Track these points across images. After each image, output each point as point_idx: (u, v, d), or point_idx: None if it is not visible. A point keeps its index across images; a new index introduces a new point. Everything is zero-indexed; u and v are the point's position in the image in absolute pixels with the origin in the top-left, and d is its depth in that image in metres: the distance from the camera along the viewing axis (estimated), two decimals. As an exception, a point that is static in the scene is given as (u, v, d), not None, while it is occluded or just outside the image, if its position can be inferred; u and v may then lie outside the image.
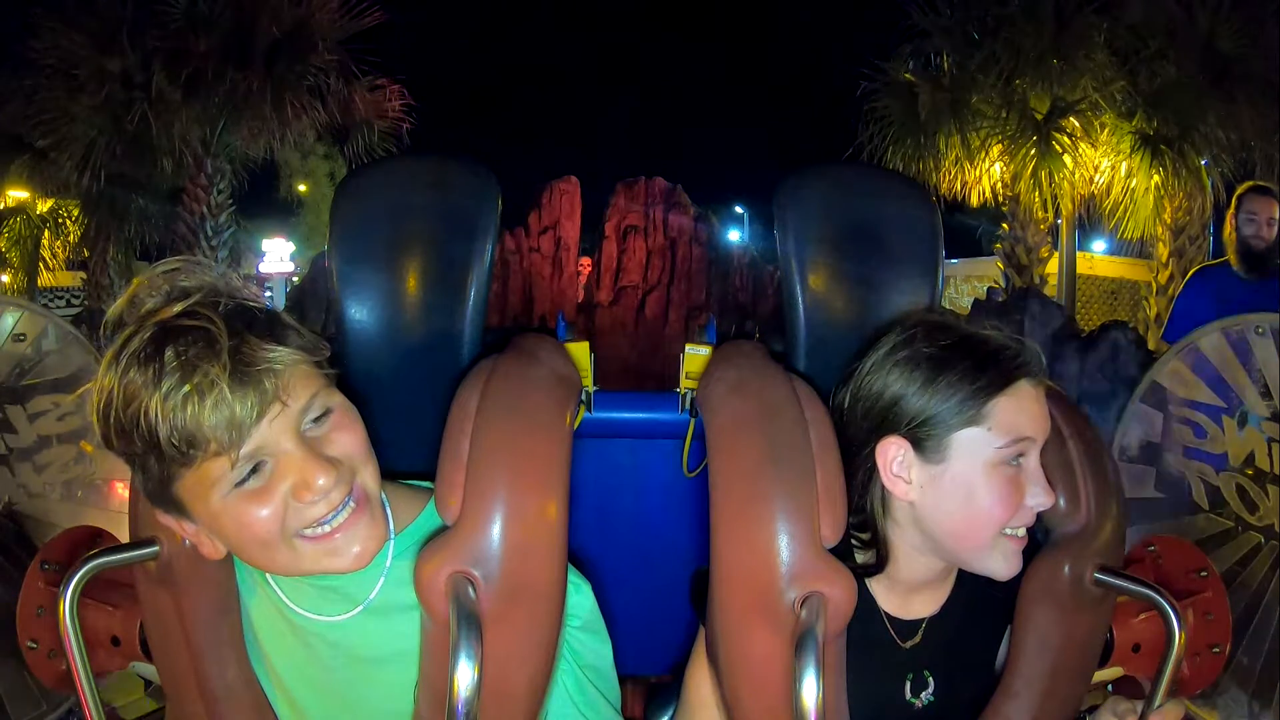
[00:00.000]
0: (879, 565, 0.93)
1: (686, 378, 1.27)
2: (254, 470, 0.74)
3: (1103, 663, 1.01)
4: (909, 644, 0.96)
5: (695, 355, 1.27)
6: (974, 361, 0.86)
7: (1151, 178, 7.12)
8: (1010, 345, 0.87)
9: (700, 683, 0.95)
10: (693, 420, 1.29)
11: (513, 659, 0.79)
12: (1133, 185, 7.24)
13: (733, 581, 0.84)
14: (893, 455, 0.89)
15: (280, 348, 0.74)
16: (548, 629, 0.81)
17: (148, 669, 1.00)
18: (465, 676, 0.71)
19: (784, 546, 0.80)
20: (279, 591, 0.86)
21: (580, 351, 1.24)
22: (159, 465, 0.73)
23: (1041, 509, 0.88)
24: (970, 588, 0.99)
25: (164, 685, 0.93)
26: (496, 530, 0.76)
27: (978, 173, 7.96)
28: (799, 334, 1.14)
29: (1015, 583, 0.97)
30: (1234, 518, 2.11)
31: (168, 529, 0.86)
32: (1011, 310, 6.28)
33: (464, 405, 0.83)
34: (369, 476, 0.80)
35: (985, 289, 7.47)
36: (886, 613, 0.96)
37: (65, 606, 0.82)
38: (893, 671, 0.96)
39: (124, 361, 0.71)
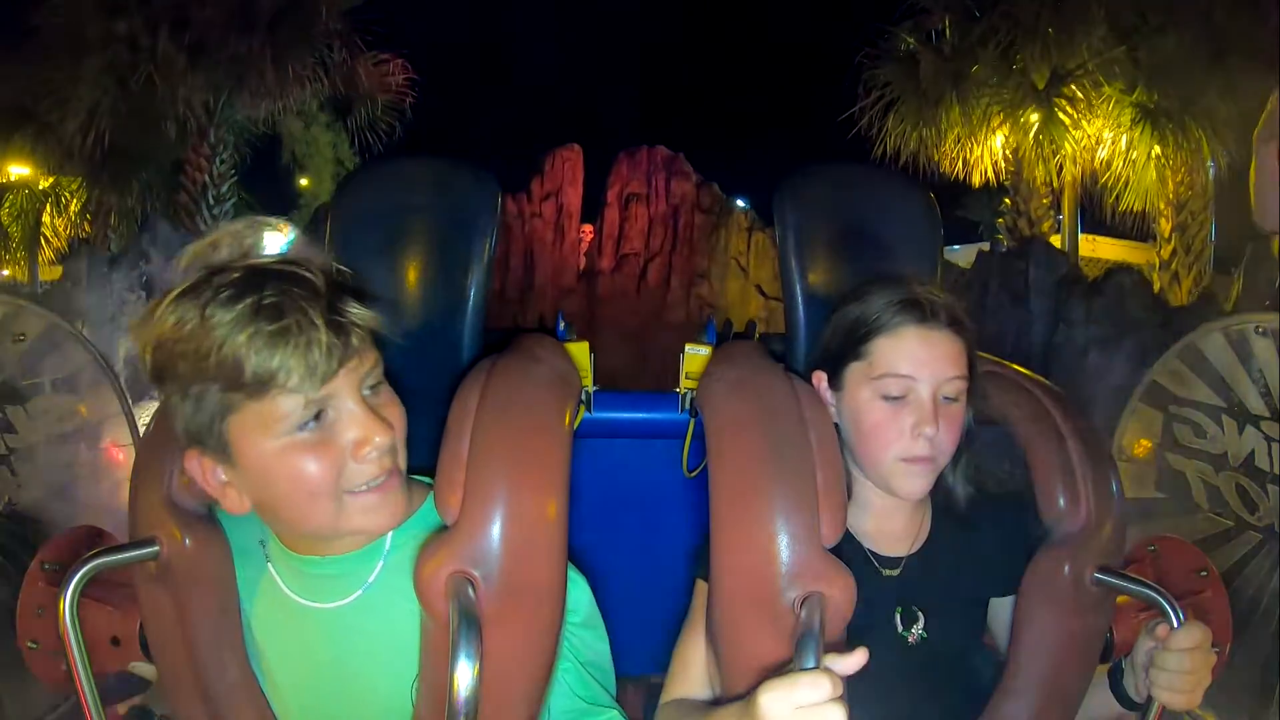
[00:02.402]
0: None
1: (686, 378, 1.27)
2: (316, 417, 0.76)
3: (1103, 662, 1.01)
4: (888, 573, 1.01)
5: (695, 355, 1.27)
6: (866, 305, 0.99)
7: (1152, 148, 7.07)
8: (904, 296, 0.97)
9: (689, 644, 0.97)
10: (693, 420, 1.29)
11: (513, 659, 0.79)
12: (1134, 157, 7.20)
13: (733, 581, 0.84)
14: (817, 384, 1.02)
15: (364, 309, 0.77)
16: (548, 629, 0.81)
17: (148, 669, 1.00)
18: (465, 676, 0.71)
19: (784, 546, 0.80)
20: (279, 580, 0.87)
21: (580, 351, 1.24)
22: (221, 396, 0.74)
23: (927, 437, 0.94)
24: (951, 533, 1.04)
25: (164, 685, 0.93)
26: (496, 530, 0.76)
27: (980, 151, 7.94)
28: (799, 334, 1.14)
29: (1006, 539, 1.03)
30: (1234, 518, 2.11)
31: (168, 529, 0.86)
32: (1017, 257, 6.25)
33: (464, 405, 0.83)
34: (403, 457, 0.84)
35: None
36: (866, 547, 1.01)
37: (65, 606, 0.82)
38: (880, 599, 0.99)
39: (209, 294, 0.72)
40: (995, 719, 0.97)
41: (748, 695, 0.74)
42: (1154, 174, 7.17)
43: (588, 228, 10.46)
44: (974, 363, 1.00)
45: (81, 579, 0.84)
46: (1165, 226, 7.49)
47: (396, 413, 0.82)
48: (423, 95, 9.03)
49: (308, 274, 0.75)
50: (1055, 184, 7.90)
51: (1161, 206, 7.47)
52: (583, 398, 1.20)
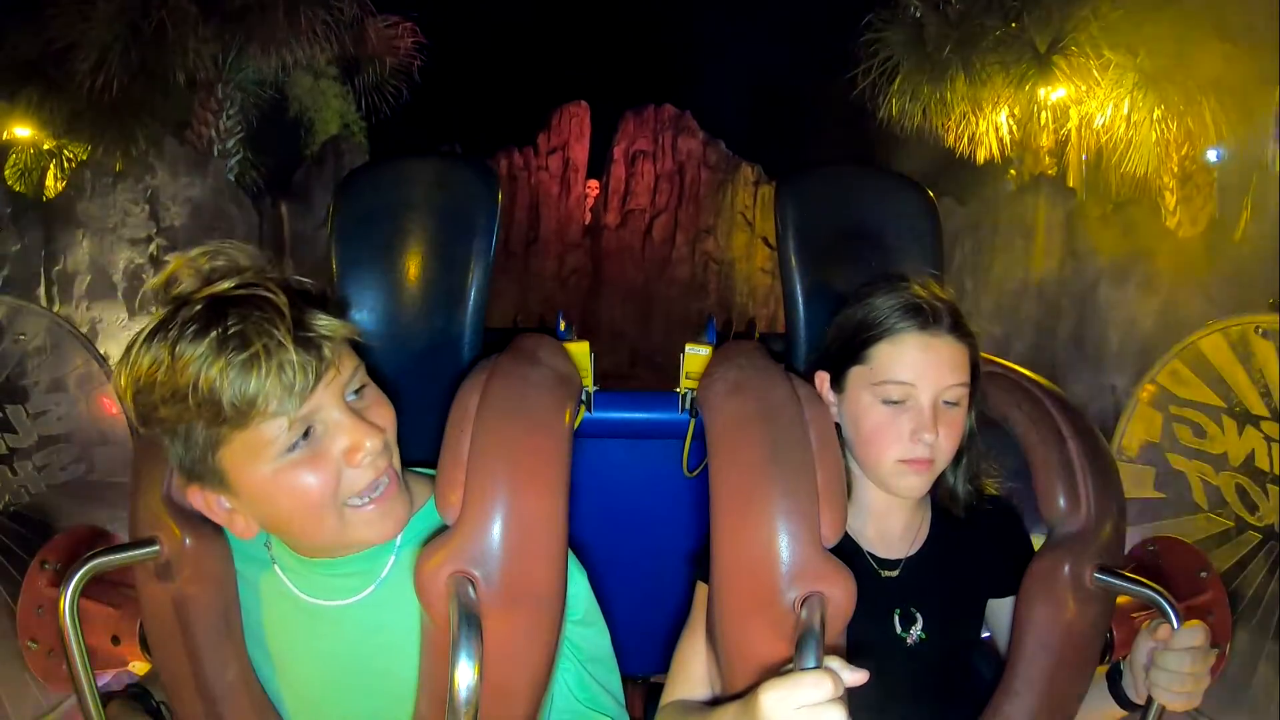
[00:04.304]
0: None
1: (686, 378, 1.27)
2: (305, 435, 0.76)
3: (1103, 661, 1.01)
4: (887, 574, 1.01)
5: (695, 355, 1.26)
6: (869, 309, 0.99)
7: (1154, 112, 6.93)
8: (907, 301, 0.97)
9: (690, 646, 0.97)
10: (693, 420, 1.29)
11: (513, 658, 0.79)
12: (1136, 120, 7.07)
13: (733, 581, 0.84)
14: (820, 385, 1.02)
15: (332, 318, 0.77)
16: (548, 628, 0.81)
17: (148, 669, 1.00)
18: (465, 676, 0.71)
19: (784, 546, 0.80)
20: (286, 580, 0.87)
21: (580, 351, 1.24)
22: (207, 432, 0.74)
23: (926, 443, 0.94)
24: (950, 535, 1.04)
25: (164, 685, 0.93)
26: (496, 530, 0.76)
27: (985, 124, 7.85)
28: (799, 334, 1.14)
29: (1003, 540, 1.04)
30: (1234, 518, 2.11)
31: (168, 529, 0.86)
32: (1028, 192, 6.18)
33: (464, 405, 0.83)
34: (396, 457, 0.83)
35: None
36: (865, 549, 1.01)
37: (65, 606, 0.82)
38: (880, 601, 0.99)
39: (174, 332, 0.72)
40: (995, 719, 0.97)
41: (748, 694, 0.74)
42: (1156, 135, 7.00)
43: (593, 183, 10.42)
44: (977, 366, 0.99)
45: (81, 579, 0.83)
46: (1170, 199, 7.25)
47: (385, 412, 0.82)
48: (430, 58, 8.91)
49: (269, 294, 0.74)
50: (1060, 159, 7.76)
51: (1166, 180, 7.29)
52: (583, 398, 1.20)
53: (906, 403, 0.96)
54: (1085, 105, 7.35)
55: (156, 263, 6.96)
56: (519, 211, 10.07)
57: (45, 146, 8.10)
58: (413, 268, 1.11)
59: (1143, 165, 7.03)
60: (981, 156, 8.03)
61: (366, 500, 0.79)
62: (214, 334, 0.71)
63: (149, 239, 7.07)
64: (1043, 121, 7.58)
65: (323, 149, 8.84)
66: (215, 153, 7.88)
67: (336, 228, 1.12)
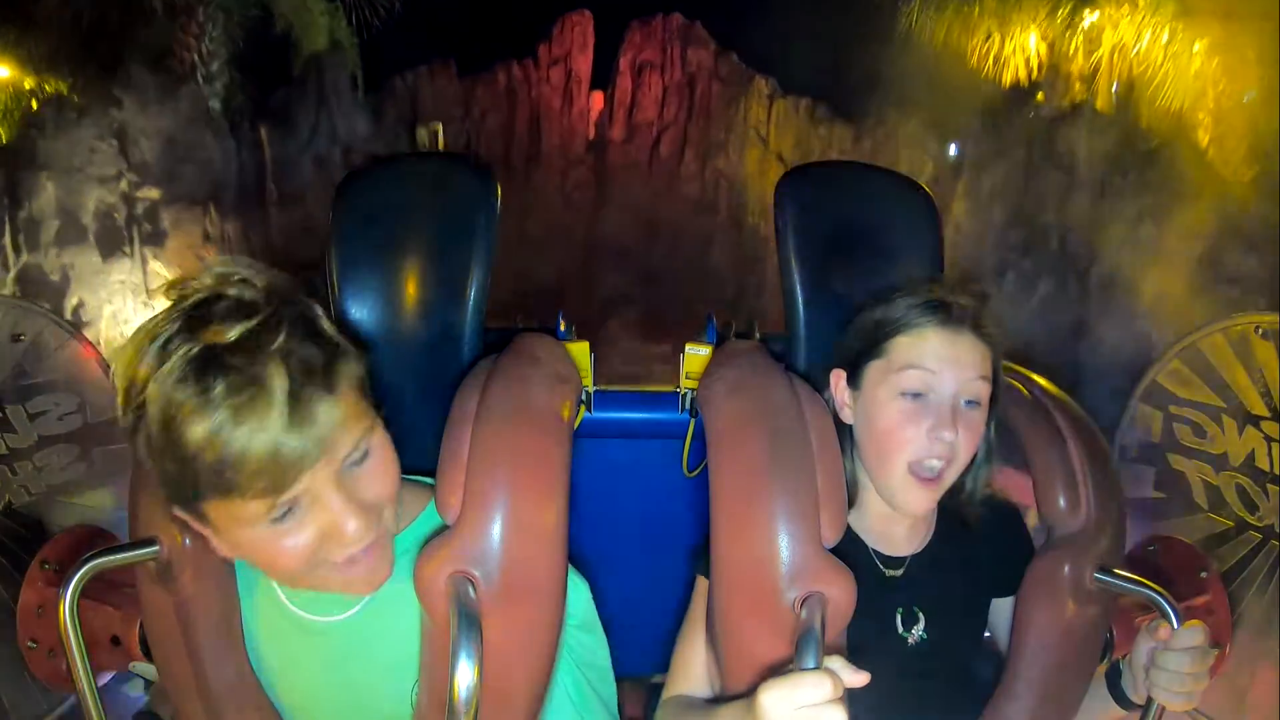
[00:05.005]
0: (849, 498, 0.96)
1: (686, 378, 1.27)
2: (289, 510, 0.72)
3: (1102, 661, 1.01)
4: (891, 573, 1.01)
5: (695, 355, 1.27)
6: (890, 307, 0.98)
7: (1194, 44, 6.31)
8: (930, 300, 0.96)
9: (690, 641, 0.97)
10: (693, 420, 1.29)
11: (513, 659, 0.79)
12: (1175, 52, 6.48)
13: (733, 581, 0.84)
14: (835, 383, 1.02)
15: (337, 397, 0.70)
16: (547, 629, 0.81)
17: (148, 669, 1.00)
18: (465, 676, 0.71)
19: (784, 546, 0.80)
20: (280, 594, 0.86)
21: (580, 351, 1.24)
22: (190, 486, 0.69)
23: (945, 442, 0.92)
24: (955, 534, 1.03)
25: (164, 685, 0.93)
26: (496, 531, 0.76)
27: (1012, 45, 7.34)
28: (799, 334, 1.14)
29: (1006, 540, 1.04)
30: (1234, 518, 2.11)
31: (168, 529, 0.86)
32: (1067, 122, 5.81)
33: (464, 406, 0.83)
34: (390, 516, 0.79)
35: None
36: (870, 547, 1.01)
37: (65, 606, 0.82)
38: (882, 600, 0.99)
39: (165, 367, 0.66)
40: (995, 719, 0.97)
41: (748, 694, 0.74)
42: (1196, 66, 6.25)
43: (598, 95, 9.92)
44: (999, 372, 0.97)
45: (81, 579, 0.84)
46: (1203, 137, 6.66)
47: (385, 479, 0.77)
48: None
49: (265, 371, 0.66)
50: (1090, 86, 7.15)
51: (1200, 117, 6.84)
52: (583, 398, 1.20)
53: (927, 396, 0.93)
54: (1121, 30, 6.80)
55: (129, 201, 6.35)
56: (519, 125, 9.48)
57: (26, 85, 7.28)
58: (413, 268, 1.11)
59: (1178, 100, 6.38)
60: (1008, 79, 7.49)
61: (345, 562, 0.76)
62: (205, 393, 0.65)
63: (119, 176, 6.37)
64: (1075, 46, 7.03)
65: (305, 66, 8.34)
66: (200, 79, 7.23)
67: (337, 228, 1.12)
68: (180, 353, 0.66)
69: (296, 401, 0.67)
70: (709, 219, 9.40)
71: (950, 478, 0.95)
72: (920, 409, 0.93)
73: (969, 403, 0.94)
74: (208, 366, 0.66)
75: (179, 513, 0.76)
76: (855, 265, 1.13)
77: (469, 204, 1.14)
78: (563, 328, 1.31)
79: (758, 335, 1.25)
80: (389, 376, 0.86)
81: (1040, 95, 7.42)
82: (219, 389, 0.65)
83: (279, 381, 0.66)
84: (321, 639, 0.86)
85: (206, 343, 0.66)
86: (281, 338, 0.68)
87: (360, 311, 1.09)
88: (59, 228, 6.13)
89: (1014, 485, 1.06)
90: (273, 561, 0.75)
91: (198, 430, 0.65)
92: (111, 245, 6.36)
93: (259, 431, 0.66)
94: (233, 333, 0.67)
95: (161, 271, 6.41)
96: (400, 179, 1.18)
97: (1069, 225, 6.57)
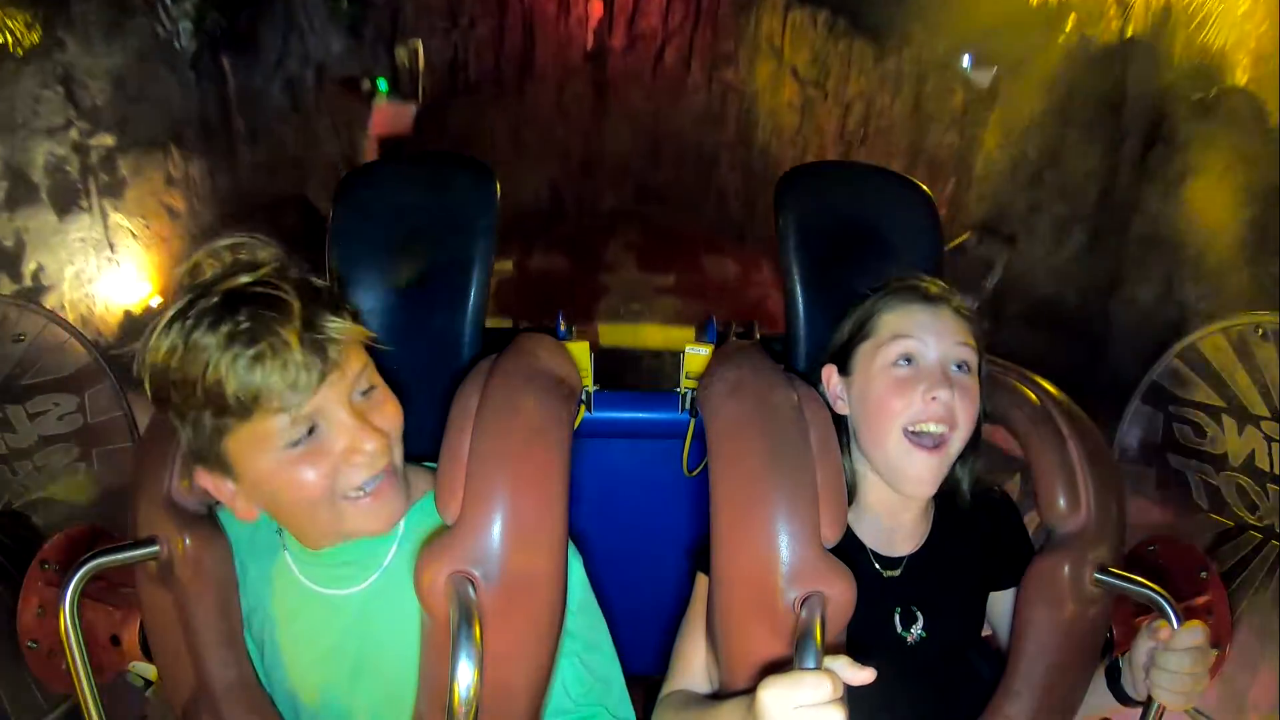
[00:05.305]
0: (849, 496, 0.96)
1: (686, 378, 1.27)
2: (309, 432, 0.79)
3: (1102, 660, 1.01)
4: (889, 574, 1.01)
5: (695, 355, 1.27)
6: (871, 302, 1.01)
7: None
8: (909, 285, 1.00)
9: (690, 637, 0.98)
10: (693, 420, 1.29)
11: (513, 658, 0.79)
12: None
13: (733, 581, 0.84)
14: (827, 378, 1.03)
15: (342, 320, 0.80)
16: (547, 628, 0.81)
17: (148, 669, 1.00)
18: (465, 676, 0.71)
19: (784, 546, 0.80)
20: (295, 569, 0.88)
21: (580, 351, 1.24)
22: (214, 420, 0.77)
23: (942, 401, 0.93)
24: (952, 532, 1.04)
25: (164, 685, 0.93)
26: (496, 530, 0.76)
27: None
28: (799, 334, 1.14)
29: (1001, 533, 1.04)
30: (1234, 518, 2.11)
31: (168, 529, 0.86)
32: (1112, 59, 5.17)
33: (464, 405, 0.83)
34: (399, 454, 0.86)
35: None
36: (869, 548, 1.01)
37: (65, 606, 0.83)
38: (880, 601, 0.99)
39: (190, 321, 0.75)
40: (995, 719, 0.97)
41: (748, 691, 0.74)
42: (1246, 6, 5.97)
43: (597, 1, 9.11)
44: (982, 354, 1.00)
45: (81, 579, 0.84)
46: (1242, 79, 6.36)
47: (391, 413, 0.85)
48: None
49: (282, 295, 0.77)
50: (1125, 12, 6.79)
51: (1239, 57, 6.29)
52: (583, 398, 1.20)
53: (917, 363, 0.96)
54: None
55: (81, 151, 5.62)
56: (511, 35, 8.68)
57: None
58: (412, 268, 1.11)
59: (1221, 38, 6.07)
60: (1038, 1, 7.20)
61: (361, 494, 0.82)
62: (225, 328, 0.74)
63: (68, 124, 5.62)
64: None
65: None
66: (163, 2, 6.09)
67: (336, 228, 1.12)
68: (204, 307, 0.75)
69: (310, 318, 0.77)
70: (716, 134, 8.69)
71: (954, 448, 0.95)
72: (911, 374, 0.96)
73: (959, 367, 0.96)
74: (228, 308, 0.75)
75: (202, 477, 0.82)
76: (855, 265, 1.13)
77: (469, 204, 1.14)
78: (563, 328, 1.31)
79: (758, 335, 1.25)
80: (389, 377, 0.87)
81: (1072, 18, 6.81)
82: (243, 315, 0.75)
83: (294, 299, 0.76)
84: (335, 613, 0.88)
85: (225, 289, 0.76)
86: (293, 272, 0.80)
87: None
88: (7, 189, 5.36)
89: (1003, 437, 1.07)
90: (295, 497, 0.80)
91: (223, 360, 0.74)
92: (67, 201, 5.60)
93: (280, 343, 0.75)
94: (246, 278, 0.77)
95: (123, 223, 5.68)
96: (400, 178, 1.18)
97: (1112, 169, 5.68)
